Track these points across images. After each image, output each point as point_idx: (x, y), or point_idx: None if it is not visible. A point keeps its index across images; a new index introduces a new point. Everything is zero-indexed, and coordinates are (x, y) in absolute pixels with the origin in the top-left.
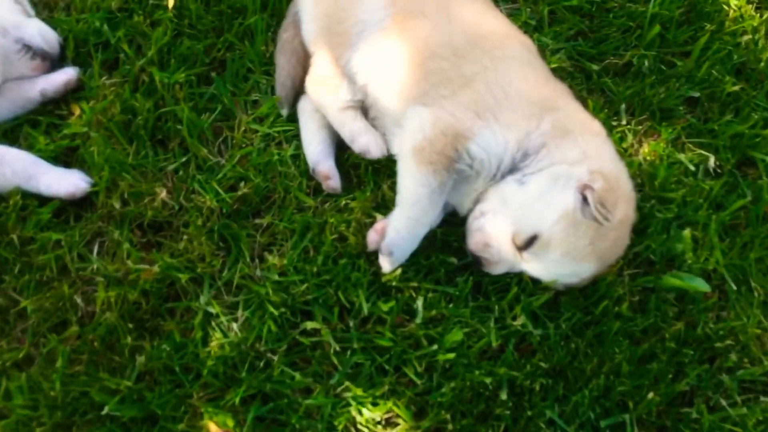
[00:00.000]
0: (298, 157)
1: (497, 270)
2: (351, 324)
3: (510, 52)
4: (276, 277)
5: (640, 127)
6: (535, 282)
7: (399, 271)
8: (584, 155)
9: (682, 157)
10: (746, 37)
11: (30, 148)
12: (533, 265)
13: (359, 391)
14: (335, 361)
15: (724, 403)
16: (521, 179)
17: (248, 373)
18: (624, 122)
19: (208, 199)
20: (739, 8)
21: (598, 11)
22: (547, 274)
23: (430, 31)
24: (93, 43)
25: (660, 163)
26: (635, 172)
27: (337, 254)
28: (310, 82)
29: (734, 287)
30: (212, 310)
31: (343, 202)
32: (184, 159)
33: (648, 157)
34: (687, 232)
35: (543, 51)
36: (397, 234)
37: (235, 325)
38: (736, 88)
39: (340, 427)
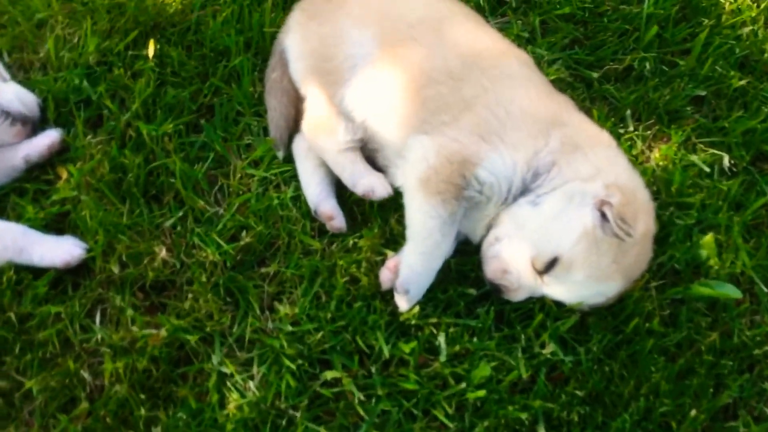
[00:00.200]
0: (299, 198)
1: (518, 297)
2: (373, 369)
3: (508, 69)
4: (289, 328)
5: (648, 132)
6: (559, 305)
7: (417, 308)
8: (597, 170)
9: (695, 158)
10: (746, 29)
11: (18, 218)
12: (555, 289)
13: None
14: (360, 411)
15: None
16: (534, 200)
17: None
18: (631, 129)
19: (210, 252)
20: (735, 0)
21: (592, 17)
22: (571, 296)
23: (423, 57)
24: (74, 101)
25: (674, 168)
26: (649, 180)
27: (351, 297)
28: (307, 126)
29: (765, 289)
30: (226, 369)
31: (351, 242)
32: (180, 213)
33: (660, 163)
34: (710, 237)
35: (539, 63)
36: (411, 270)
37: (251, 384)
38: (743, 82)
39: None
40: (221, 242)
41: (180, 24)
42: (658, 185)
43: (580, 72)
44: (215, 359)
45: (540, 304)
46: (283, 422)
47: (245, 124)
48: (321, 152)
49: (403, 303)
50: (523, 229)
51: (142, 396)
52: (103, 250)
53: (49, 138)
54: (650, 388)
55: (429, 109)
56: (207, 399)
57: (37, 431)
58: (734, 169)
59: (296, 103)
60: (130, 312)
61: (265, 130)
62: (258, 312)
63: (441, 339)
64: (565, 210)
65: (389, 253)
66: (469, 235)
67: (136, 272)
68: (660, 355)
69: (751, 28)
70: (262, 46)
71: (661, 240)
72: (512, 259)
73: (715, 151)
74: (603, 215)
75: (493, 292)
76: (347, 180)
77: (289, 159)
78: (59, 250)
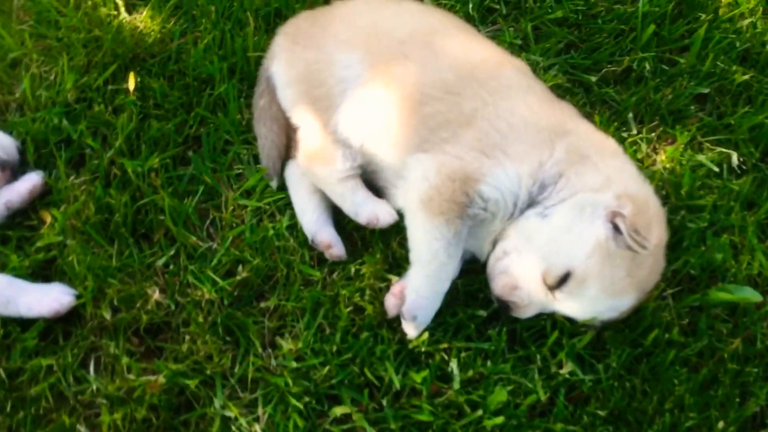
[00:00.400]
0: (295, 226)
1: (527, 313)
2: (384, 402)
3: (506, 80)
4: (293, 364)
5: (652, 134)
6: (571, 321)
7: (426, 334)
8: (607, 179)
9: (702, 158)
10: (745, 22)
11: (2, 267)
12: (568, 305)
13: None
14: None
15: None
16: (543, 212)
17: None
18: (635, 132)
19: (206, 290)
20: None
21: (585, 19)
22: (584, 312)
23: (417, 74)
24: (54, 141)
25: (681, 170)
26: (657, 183)
27: (356, 328)
28: (303, 158)
29: None
30: (230, 413)
31: (353, 269)
32: (172, 251)
33: (667, 165)
34: (724, 239)
35: (535, 70)
36: (417, 295)
37: (257, 426)
38: (746, 77)
39: None
40: (217, 279)
41: (160, 54)
42: (667, 189)
43: (578, 77)
44: (218, 403)
45: (552, 320)
46: None
47: (234, 153)
48: (319, 183)
49: (411, 330)
50: (532, 243)
51: None
52: (93, 296)
53: (30, 182)
54: (674, 402)
55: (428, 127)
56: None
57: None
58: (744, 167)
59: (287, 129)
60: (125, 359)
61: (256, 158)
62: (260, 349)
63: (453, 365)
64: (576, 222)
65: (393, 278)
66: (476, 253)
67: (129, 316)
68: (682, 367)
69: (750, 20)
70: (247, 72)
71: (673, 245)
72: (522, 274)
73: (723, 150)
74: (615, 227)
75: (501, 310)
76: (349, 210)
77: (283, 186)
78: (47, 299)
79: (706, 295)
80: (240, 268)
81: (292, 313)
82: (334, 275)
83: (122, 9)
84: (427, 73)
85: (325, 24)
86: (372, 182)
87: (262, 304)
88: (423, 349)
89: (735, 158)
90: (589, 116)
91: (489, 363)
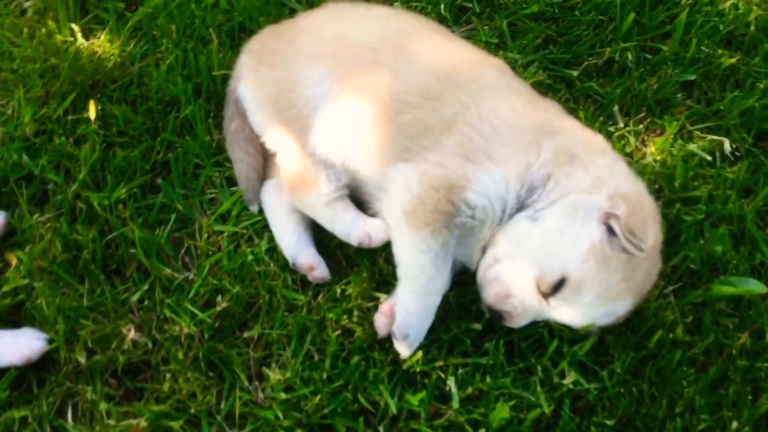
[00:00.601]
0: (275, 249)
1: (520, 322)
2: (381, 428)
3: (485, 81)
4: (282, 396)
5: (640, 126)
6: (570, 327)
7: (420, 353)
8: (598, 179)
9: (693, 147)
10: (727, 3)
11: None
12: (563, 312)
13: None
14: None
15: None
16: (533, 215)
17: None
18: (621, 125)
19: (184, 324)
20: None
21: (562, 12)
22: (580, 319)
23: (392, 81)
24: (14, 179)
25: (673, 161)
26: (650, 177)
27: (346, 352)
28: (287, 185)
29: None
30: None
31: (339, 290)
32: (146, 285)
33: (658, 157)
34: (722, 230)
35: (513, 67)
36: (407, 312)
37: None
38: (732, 60)
39: None
40: (195, 311)
41: (121, 79)
42: (660, 182)
43: (559, 72)
44: None
45: (549, 328)
46: None
47: (206, 176)
48: (307, 210)
49: (403, 349)
50: (523, 247)
51: None
52: (66, 339)
53: None
54: (685, 404)
55: (407, 136)
56: None
57: None
58: (737, 153)
59: (263, 150)
60: (103, 404)
61: (229, 181)
62: (246, 382)
63: (451, 383)
64: (568, 224)
65: (382, 296)
66: (466, 263)
67: (105, 358)
68: (690, 367)
69: (731, 1)
70: (213, 90)
71: (671, 240)
72: (514, 280)
73: (714, 137)
74: (609, 229)
75: (493, 319)
76: (340, 233)
77: (260, 208)
78: (18, 346)
79: (709, 290)
80: (219, 297)
81: (277, 342)
82: (319, 298)
83: (79, 35)
84: (402, 79)
85: (291, 38)
86: (356, 197)
87: (246, 334)
88: (418, 369)
89: (727, 145)
90: (573, 112)
91: (488, 378)
